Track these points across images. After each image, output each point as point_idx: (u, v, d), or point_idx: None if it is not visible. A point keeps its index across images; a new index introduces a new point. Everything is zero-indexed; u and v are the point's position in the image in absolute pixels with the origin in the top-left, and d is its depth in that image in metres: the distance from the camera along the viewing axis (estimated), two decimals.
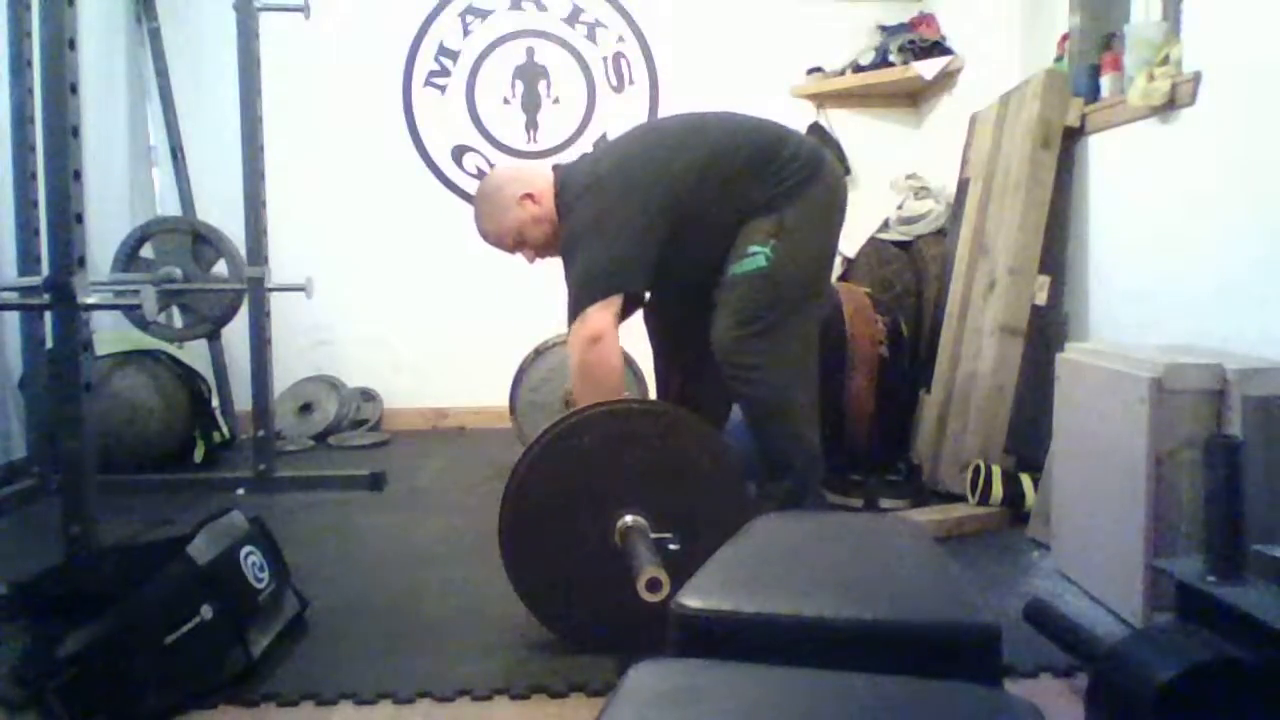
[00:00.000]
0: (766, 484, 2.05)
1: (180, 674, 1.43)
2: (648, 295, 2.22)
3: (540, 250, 2.10)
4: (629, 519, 1.58)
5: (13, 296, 2.19)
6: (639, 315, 2.27)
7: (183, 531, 1.60)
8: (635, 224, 1.92)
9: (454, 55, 3.87)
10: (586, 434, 1.63)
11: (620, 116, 3.87)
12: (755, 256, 1.95)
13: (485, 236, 2.12)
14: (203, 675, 1.47)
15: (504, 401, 3.22)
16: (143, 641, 1.39)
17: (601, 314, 1.87)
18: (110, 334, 3.16)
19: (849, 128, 3.83)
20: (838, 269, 3.33)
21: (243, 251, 2.91)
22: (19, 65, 2.75)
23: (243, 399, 3.17)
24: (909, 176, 3.38)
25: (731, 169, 1.99)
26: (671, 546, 1.52)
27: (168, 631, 1.42)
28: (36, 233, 2.73)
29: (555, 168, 2.10)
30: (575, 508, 1.61)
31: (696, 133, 2.03)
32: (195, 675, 1.46)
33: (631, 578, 1.40)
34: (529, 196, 2.03)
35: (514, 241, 2.09)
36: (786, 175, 1.99)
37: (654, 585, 1.36)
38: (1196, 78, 2.06)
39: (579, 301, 1.89)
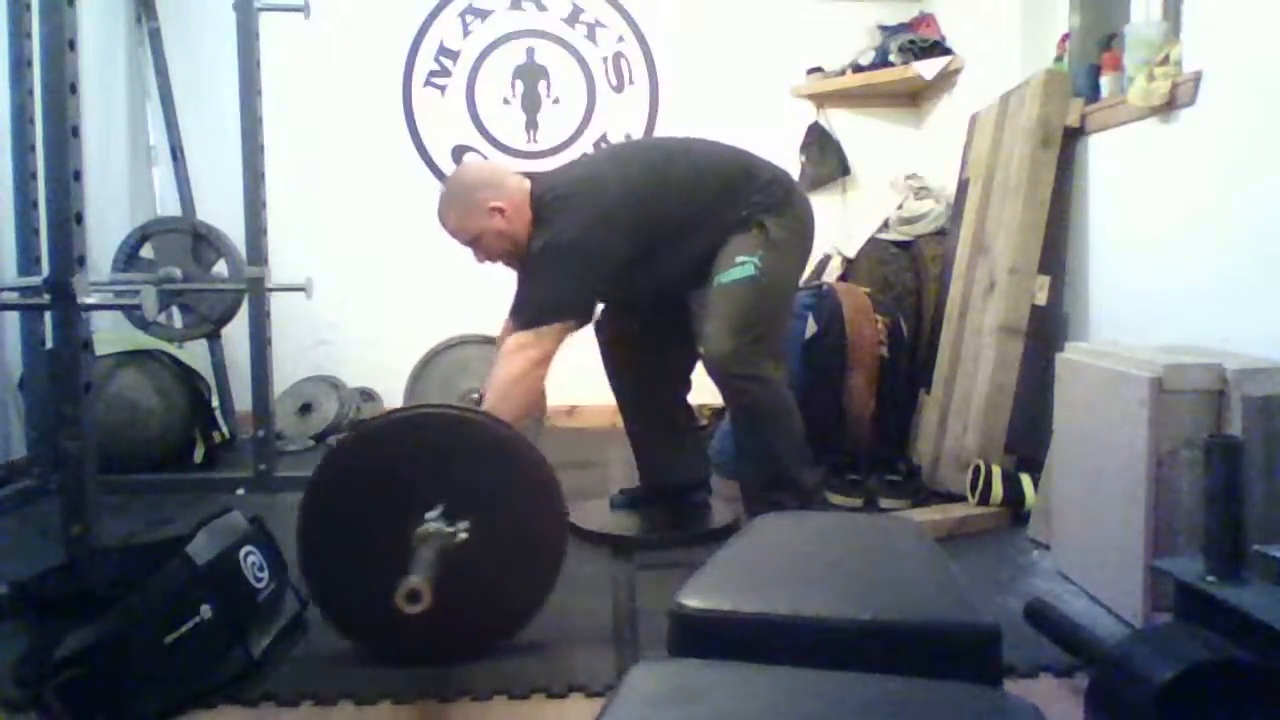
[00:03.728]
0: (769, 492, 2.06)
1: (180, 674, 1.43)
2: (599, 310, 2.23)
3: (491, 259, 2.10)
4: (430, 526, 1.48)
5: (13, 296, 2.18)
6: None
7: (183, 531, 1.60)
8: (600, 268, 1.99)
9: (454, 55, 3.86)
10: (379, 445, 1.58)
11: (620, 116, 3.88)
12: (744, 265, 2.01)
13: (443, 225, 2.09)
14: (203, 675, 1.46)
15: None
16: (143, 641, 1.39)
17: (556, 340, 1.92)
18: (110, 334, 3.15)
19: (849, 128, 3.83)
20: (838, 269, 3.34)
21: (243, 251, 2.91)
22: (19, 66, 2.75)
23: (243, 399, 3.16)
24: (909, 176, 3.37)
25: (707, 198, 2.06)
26: (461, 535, 1.48)
27: (168, 631, 1.42)
28: (36, 233, 2.73)
29: (532, 178, 2.09)
30: (376, 514, 1.53)
31: (671, 163, 2.10)
32: (195, 675, 1.45)
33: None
34: (500, 210, 2.01)
35: (469, 242, 2.07)
36: (763, 195, 2.08)
37: (414, 596, 1.31)
38: (1196, 78, 2.06)
39: (541, 318, 1.91)
